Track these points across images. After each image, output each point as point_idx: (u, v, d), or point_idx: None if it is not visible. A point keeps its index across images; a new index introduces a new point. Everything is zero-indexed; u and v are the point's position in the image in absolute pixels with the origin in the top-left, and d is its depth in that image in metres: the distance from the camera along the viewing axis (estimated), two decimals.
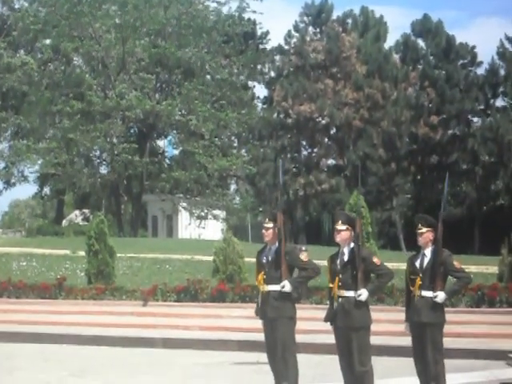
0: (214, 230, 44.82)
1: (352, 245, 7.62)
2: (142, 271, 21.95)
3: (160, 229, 49.61)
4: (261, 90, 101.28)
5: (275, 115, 53.44)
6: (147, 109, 42.92)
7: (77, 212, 62.98)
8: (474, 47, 53.53)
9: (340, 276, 7.58)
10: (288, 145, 53.70)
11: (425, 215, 7.96)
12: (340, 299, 7.58)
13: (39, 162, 46.66)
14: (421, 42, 54.54)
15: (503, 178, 51.04)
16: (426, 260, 7.67)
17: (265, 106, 56.29)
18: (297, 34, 54.99)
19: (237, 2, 47.75)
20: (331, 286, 7.70)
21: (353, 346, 7.48)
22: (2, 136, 48.47)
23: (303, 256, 8.00)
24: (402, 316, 7.97)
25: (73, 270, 21.43)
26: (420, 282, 7.62)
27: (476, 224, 49.50)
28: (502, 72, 52.55)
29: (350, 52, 52.12)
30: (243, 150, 54.56)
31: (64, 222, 60.37)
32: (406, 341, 8.17)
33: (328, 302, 7.98)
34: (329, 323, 7.75)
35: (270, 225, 8.03)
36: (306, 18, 55.30)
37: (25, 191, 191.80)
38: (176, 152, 49.47)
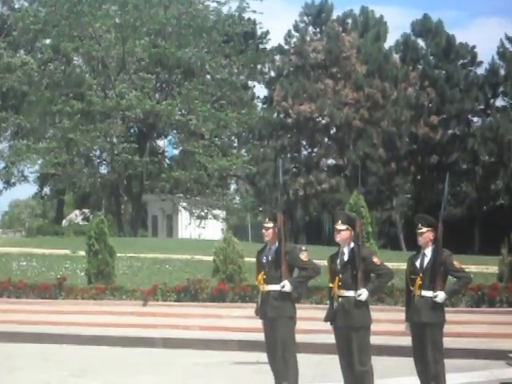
0: (213, 229, 44.81)
1: (352, 245, 7.62)
2: (142, 271, 21.94)
3: (160, 229, 49.61)
4: (261, 90, 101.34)
5: (275, 115, 53.44)
6: (147, 109, 42.92)
7: (77, 212, 62.99)
8: (474, 47, 53.58)
9: (340, 276, 7.58)
10: (288, 145, 53.71)
11: (425, 215, 7.96)
12: (340, 299, 7.58)
13: (39, 161, 46.68)
14: (421, 42, 54.60)
15: (503, 177, 51.05)
16: (426, 260, 7.68)
17: (265, 106, 56.30)
18: (297, 34, 55.01)
19: (237, 2, 47.82)
20: (331, 285, 7.70)
21: (353, 346, 7.48)
22: (2, 136, 48.46)
23: (303, 256, 8.00)
24: (402, 316, 7.97)
25: (73, 270, 21.42)
26: (420, 282, 7.62)
27: (476, 224, 49.50)
28: (502, 72, 52.59)
29: (349, 52, 52.13)
30: (243, 150, 54.57)
31: (64, 221, 60.37)
32: (406, 341, 8.18)
33: (328, 302, 7.98)
34: (329, 323, 7.75)
35: (270, 225, 8.03)
36: (306, 18, 55.31)
37: (25, 191, 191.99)
38: (176, 152, 49.53)
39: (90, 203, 57.04)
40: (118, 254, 19.26)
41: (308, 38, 54.42)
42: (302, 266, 7.98)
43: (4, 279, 18.02)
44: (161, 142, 51.06)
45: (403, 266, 8.45)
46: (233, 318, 14.76)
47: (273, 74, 56.34)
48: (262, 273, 8.06)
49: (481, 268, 20.94)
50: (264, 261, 8.09)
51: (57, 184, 51.93)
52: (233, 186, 58.34)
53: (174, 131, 49.11)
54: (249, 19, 52.22)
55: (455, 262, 7.70)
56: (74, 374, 10.71)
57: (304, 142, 54.66)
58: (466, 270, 8.12)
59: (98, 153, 47.95)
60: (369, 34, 54.21)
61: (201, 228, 46.68)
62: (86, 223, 51.02)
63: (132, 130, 49.83)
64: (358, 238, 7.60)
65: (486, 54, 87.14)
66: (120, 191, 47.28)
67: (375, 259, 7.60)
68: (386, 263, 7.82)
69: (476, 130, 51.68)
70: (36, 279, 19.24)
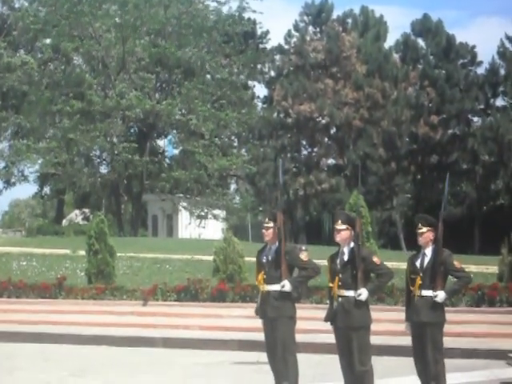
0: (214, 229, 44.82)
1: (352, 244, 7.62)
2: (142, 271, 21.95)
3: (160, 228, 49.61)
4: (261, 90, 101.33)
5: (275, 115, 53.42)
6: (147, 108, 42.93)
7: (77, 211, 63.01)
8: (474, 47, 53.55)
9: (340, 275, 7.58)
10: (288, 144, 53.69)
11: (425, 215, 7.96)
12: (340, 299, 7.58)
13: (39, 161, 46.71)
14: (421, 42, 54.56)
15: (503, 177, 51.04)
16: (427, 259, 7.68)
17: (265, 106, 56.28)
18: (297, 34, 54.99)
19: (237, 2, 47.86)
20: (331, 285, 7.70)
21: (353, 346, 7.48)
22: (2, 135, 48.47)
23: (303, 256, 8.00)
24: (403, 316, 7.97)
25: (73, 270, 21.43)
26: (420, 282, 7.62)
27: (476, 224, 49.49)
28: (502, 71, 52.54)
29: (350, 52, 52.12)
30: (243, 150, 54.57)
31: (64, 221, 60.40)
32: (406, 340, 8.18)
33: (328, 302, 7.98)
34: (329, 323, 7.75)
35: (270, 224, 8.04)
36: (306, 18, 55.29)
37: (25, 191, 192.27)
38: (176, 151, 49.54)
39: (90, 203, 57.04)
40: (118, 254, 19.27)
41: (308, 38, 54.40)
42: (302, 266, 7.98)
43: (4, 279, 18.02)
44: (161, 142, 51.13)
45: (403, 265, 8.46)
46: (233, 317, 14.77)
47: (273, 73, 56.33)
48: (262, 273, 8.06)
49: (481, 268, 20.94)
50: (264, 260, 8.09)
51: (57, 184, 51.96)
52: (233, 186, 58.42)
53: (174, 131, 49.12)
54: (249, 19, 52.24)
55: (455, 262, 7.69)
56: (73, 373, 10.71)
57: (304, 142, 54.65)
58: (466, 269, 8.12)
59: (98, 152, 48.00)
60: (369, 34, 54.20)
61: (201, 228, 46.68)
62: (86, 223, 51.05)
63: (132, 130, 49.85)
64: (358, 237, 7.60)
65: (486, 53, 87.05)
66: (120, 191, 47.30)
67: (375, 259, 7.60)
68: (385, 263, 7.82)
69: (476, 130, 51.65)
70: (36, 279, 19.24)
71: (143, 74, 44.54)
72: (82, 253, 20.65)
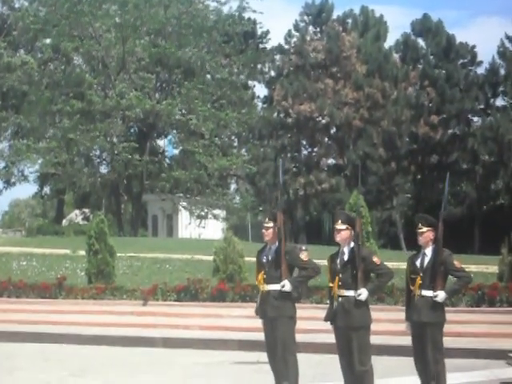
0: (214, 229, 44.83)
1: (352, 244, 7.62)
2: (142, 271, 21.95)
3: (160, 228, 49.62)
4: (261, 90, 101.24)
5: (275, 115, 53.44)
6: (147, 108, 42.94)
7: (77, 211, 63.02)
8: (474, 47, 53.57)
9: (340, 275, 7.58)
10: (288, 144, 53.71)
11: (425, 215, 7.96)
12: (340, 299, 7.57)
13: (39, 161, 46.73)
14: (421, 42, 54.59)
15: (503, 177, 51.05)
16: (427, 259, 7.67)
17: (265, 106, 56.29)
18: (297, 34, 55.01)
19: (237, 2, 47.90)
20: (331, 285, 7.70)
21: (353, 346, 7.47)
22: (2, 135, 48.48)
23: (303, 255, 8.00)
24: (403, 315, 7.96)
25: (73, 270, 21.44)
26: (420, 282, 7.61)
27: (476, 223, 49.51)
28: (502, 71, 52.58)
29: (350, 51, 52.13)
30: (243, 150, 54.59)
31: (64, 221, 60.40)
32: (406, 340, 8.17)
33: (328, 302, 7.97)
34: (329, 323, 7.75)
35: (270, 224, 8.03)
36: (306, 18, 55.31)
37: (25, 191, 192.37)
38: (176, 151, 49.57)
39: (90, 203, 57.06)
40: (118, 254, 19.28)
41: (308, 38, 54.42)
42: (302, 266, 7.98)
43: (4, 279, 18.03)
44: (161, 142, 51.15)
45: (403, 265, 8.45)
46: (233, 317, 14.76)
47: (273, 73, 56.36)
48: (262, 272, 8.06)
49: (481, 268, 20.94)
50: (264, 260, 8.09)
51: (57, 184, 51.97)
52: (233, 186, 58.44)
53: (174, 131, 49.13)
54: (249, 19, 52.29)
55: (455, 262, 7.69)
56: (73, 373, 10.70)
57: (304, 142, 54.67)
58: (466, 269, 8.11)
59: (98, 152, 47.99)
60: (369, 34, 54.22)
61: (201, 228, 46.69)
62: (86, 223, 51.05)
63: (132, 130, 49.85)
64: (358, 237, 7.59)
65: (486, 53, 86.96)
66: (120, 191, 47.31)
67: (375, 259, 7.60)
68: (385, 263, 7.81)
69: (476, 130, 51.68)
70: (36, 279, 19.25)
71: (143, 74, 44.55)
72: (82, 253, 20.65)
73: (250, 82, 56.08)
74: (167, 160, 50.35)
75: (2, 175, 47.89)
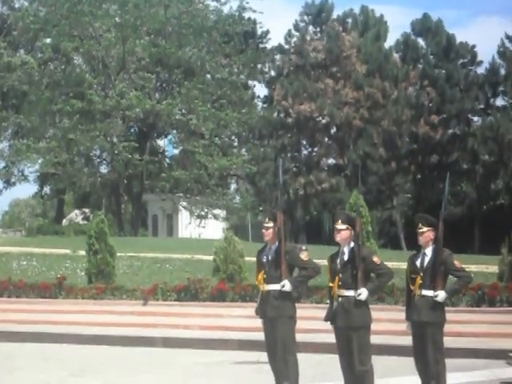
0: (214, 229, 44.83)
1: (352, 244, 7.62)
2: (142, 270, 21.95)
3: (160, 228, 49.63)
4: (261, 90, 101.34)
5: (275, 114, 53.43)
6: (147, 108, 42.93)
7: (77, 211, 63.01)
8: (474, 46, 53.54)
9: (340, 275, 7.58)
10: (288, 144, 53.70)
11: (425, 214, 7.97)
12: (340, 298, 7.57)
13: (39, 161, 46.71)
14: (421, 42, 54.56)
15: (503, 177, 51.04)
16: (427, 259, 7.67)
17: (265, 106, 56.29)
18: (297, 34, 54.99)
19: (237, 2, 47.86)
20: (331, 285, 7.70)
21: (353, 346, 7.47)
22: (2, 135, 48.47)
23: (303, 255, 8.00)
24: (403, 315, 7.96)
25: (73, 270, 21.43)
26: (420, 281, 7.62)
27: (476, 223, 49.50)
28: (503, 71, 52.53)
29: (350, 51, 52.12)
30: (243, 150, 54.57)
31: (64, 221, 60.40)
32: (407, 340, 8.18)
33: (328, 302, 7.97)
34: (329, 322, 7.75)
35: (270, 224, 8.03)
36: (306, 18, 55.29)
37: (25, 190, 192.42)
38: (176, 151, 49.57)
39: (90, 203, 57.07)
40: (119, 254, 19.27)
41: (308, 38, 54.41)
42: (302, 266, 7.98)
43: (4, 279, 18.02)
44: (161, 142, 51.15)
45: (403, 265, 8.45)
46: (233, 317, 14.76)
47: (273, 73, 56.34)
48: (262, 272, 8.06)
49: (481, 267, 20.93)
50: (264, 260, 8.09)
51: (57, 183, 51.96)
52: (233, 186, 58.45)
53: (174, 131, 49.13)
54: (249, 19, 52.24)
55: (456, 262, 7.69)
56: (73, 373, 10.71)
57: (304, 142, 54.65)
58: (467, 269, 8.11)
59: (98, 152, 48.00)
60: (369, 34, 54.20)
61: (201, 227, 46.70)
62: (86, 223, 51.04)
63: (132, 130, 49.85)
64: (358, 237, 7.59)
65: (487, 53, 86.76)
66: (120, 191, 47.29)
67: (375, 259, 7.60)
68: (386, 263, 7.81)
69: (476, 130, 51.66)
70: (36, 279, 19.24)
71: (143, 74, 44.53)
72: (82, 253, 20.65)
73: (250, 82, 56.08)
74: (167, 160, 50.35)
75: (1, 175, 47.89)
